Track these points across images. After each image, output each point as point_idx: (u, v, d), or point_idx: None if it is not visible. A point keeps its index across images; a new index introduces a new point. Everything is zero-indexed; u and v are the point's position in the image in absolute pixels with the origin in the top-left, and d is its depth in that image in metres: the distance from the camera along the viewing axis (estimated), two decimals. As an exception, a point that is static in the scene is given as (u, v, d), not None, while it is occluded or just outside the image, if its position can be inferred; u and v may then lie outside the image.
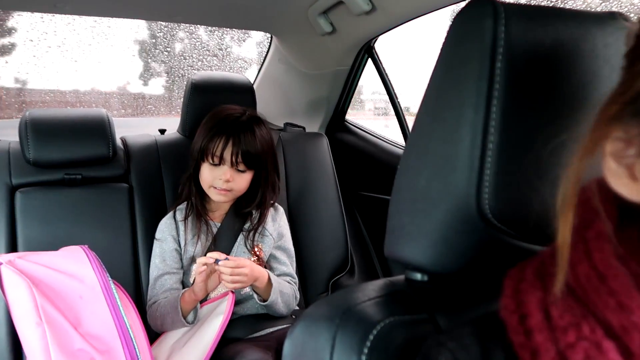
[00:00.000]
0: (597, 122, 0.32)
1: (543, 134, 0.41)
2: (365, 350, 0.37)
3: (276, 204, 1.31)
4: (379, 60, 1.45)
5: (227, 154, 1.15)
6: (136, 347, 0.81)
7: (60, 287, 0.82)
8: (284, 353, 0.44)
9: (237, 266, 1.05)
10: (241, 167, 1.16)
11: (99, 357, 0.76)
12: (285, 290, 1.20)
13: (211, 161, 1.16)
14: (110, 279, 0.86)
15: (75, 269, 0.84)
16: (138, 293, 1.27)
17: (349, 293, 0.47)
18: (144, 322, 1.12)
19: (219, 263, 1.04)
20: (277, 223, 1.29)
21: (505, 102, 0.40)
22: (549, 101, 0.41)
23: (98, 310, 0.81)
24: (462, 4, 0.45)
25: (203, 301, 1.12)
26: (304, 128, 1.68)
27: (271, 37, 1.70)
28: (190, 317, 1.09)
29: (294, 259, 1.32)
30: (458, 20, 0.43)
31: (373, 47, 1.44)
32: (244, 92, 1.45)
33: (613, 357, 0.29)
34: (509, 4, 0.41)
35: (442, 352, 0.34)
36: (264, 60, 1.81)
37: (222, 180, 1.15)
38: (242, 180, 1.18)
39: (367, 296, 0.45)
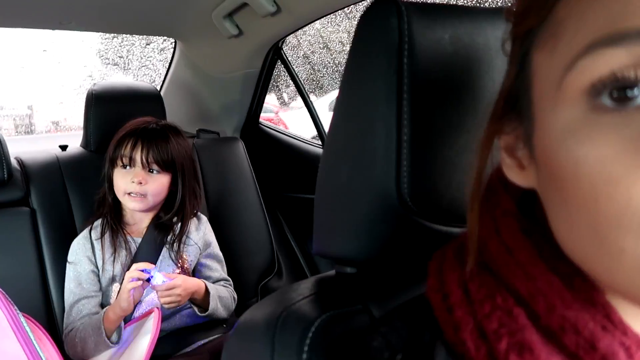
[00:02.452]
0: (490, 119, 0.35)
1: (451, 124, 0.43)
2: (306, 349, 0.37)
3: (199, 213, 1.28)
4: (288, 61, 1.46)
5: (137, 155, 1.11)
6: (56, 381, 0.75)
7: (-41, 329, 0.74)
8: None
9: (168, 288, 1.02)
10: (154, 167, 1.12)
11: (14, 398, 0.70)
12: (222, 294, 1.18)
13: (121, 163, 1.11)
14: (18, 312, 0.79)
15: (-25, 306, 0.76)
16: (51, 323, 1.17)
17: (282, 295, 0.47)
18: (62, 353, 1.04)
19: (152, 283, 1.01)
20: (202, 231, 1.26)
21: (415, 96, 0.43)
22: (453, 93, 0.44)
23: (8, 349, 0.74)
24: (363, 3, 0.46)
25: (126, 321, 1.06)
26: (218, 133, 1.65)
27: (175, 42, 1.65)
28: (114, 337, 1.03)
29: (224, 263, 1.30)
30: (364, 20, 0.45)
31: (281, 48, 1.44)
32: (150, 100, 1.39)
33: (522, 321, 0.31)
34: (410, 3, 0.44)
35: (375, 337, 0.35)
36: (169, 66, 1.75)
37: (135, 183, 1.09)
38: (156, 184, 1.13)
39: (301, 295, 0.45)
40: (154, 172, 1.12)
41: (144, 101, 1.38)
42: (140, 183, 1.10)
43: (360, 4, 1.05)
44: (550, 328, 0.30)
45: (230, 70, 1.51)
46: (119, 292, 1.10)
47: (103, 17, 1.30)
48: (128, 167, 1.12)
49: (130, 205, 1.12)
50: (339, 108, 0.48)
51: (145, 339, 0.93)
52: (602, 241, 0.27)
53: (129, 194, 1.11)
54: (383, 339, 0.35)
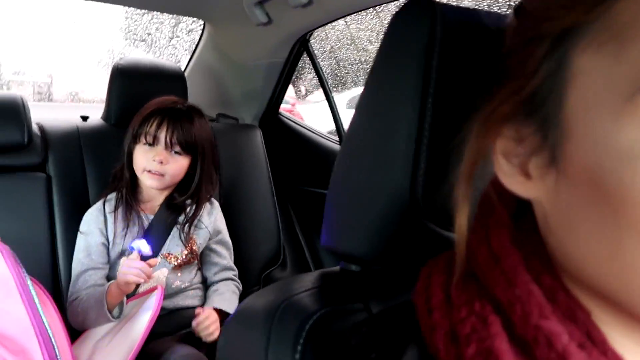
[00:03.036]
0: (488, 121, 0.33)
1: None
2: (301, 341, 0.37)
3: (212, 198, 1.28)
4: (314, 54, 1.45)
5: (162, 134, 1.11)
6: (55, 347, 0.76)
7: (-33, 285, 0.75)
8: (218, 347, 0.44)
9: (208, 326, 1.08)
10: (176, 148, 1.12)
11: (13, 358, 0.71)
12: (233, 300, 1.20)
13: (145, 141, 1.11)
14: (26, 274, 0.80)
15: (-16, 264, 0.77)
16: (57, 289, 1.19)
17: (285, 285, 0.47)
18: (65, 320, 1.06)
19: (141, 253, 1.02)
20: (213, 217, 1.26)
21: (439, 99, 0.42)
22: (478, 100, 0.43)
23: (11, 309, 0.75)
24: (397, 3, 0.46)
25: (130, 295, 1.08)
26: (237, 120, 1.66)
27: (204, 25, 1.65)
28: (115, 312, 1.04)
29: (232, 250, 1.30)
30: (397, 19, 0.44)
31: (308, 41, 1.44)
32: (174, 80, 1.40)
33: (495, 329, 0.30)
34: (446, 5, 0.43)
35: (355, 336, 0.36)
36: (195, 48, 1.75)
37: (156, 162, 1.10)
38: (176, 165, 1.13)
39: (303, 287, 0.45)
40: (175, 153, 1.13)
41: (168, 80, 1.39)
42: (162, 162, 1.10)
43: (392, 3, 1.04)
44: (525, 338, 0.30)
45: (256, 58, 1.51)
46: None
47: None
48: (151, 145, 1.12)
49: (147, 182, 1.13)
50: (362, 105, 0.48)
51: (145, 315, 0.94)
52: None
53: (149, 171, 1.11)
54: (362, 338, 0.35)
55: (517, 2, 0.36)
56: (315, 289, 0.45)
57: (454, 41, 0.42)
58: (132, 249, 1.06)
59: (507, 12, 0.47)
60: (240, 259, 1.34)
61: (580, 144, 0.28)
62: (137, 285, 1.07)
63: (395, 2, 0.99)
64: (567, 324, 0.29)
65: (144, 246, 1.05)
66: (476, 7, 0.47)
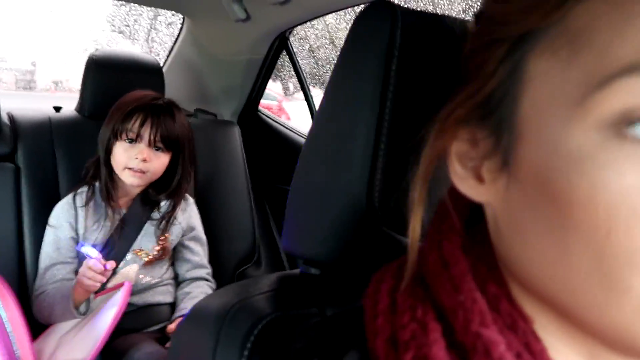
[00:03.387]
0: (444, 124, 0.33)
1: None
2: (249, 345, 0.37)
3: (187, 194, 1.27)
4: (293, 52, 1.44)
5: (145, 132, 1.09)
6: (13, 341, 0.74)
7: None
8: (170, 346, 0.43)
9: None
10: (159, 145, 1.11)
11: (-32, 354, 0.69)
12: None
13: (126, 138, 1.09)
14: (-15, 268, 0.78)
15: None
16: (22, 282, 1.17)
17: (241, 287, 0.47)
18: (30, 315, 1.04)
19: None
20: (187, 213, 1.25)
21: (398, 104, 0.42)
22: (438, 105, 0.43)
23: (-32, 303, 0.73)
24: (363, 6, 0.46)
25: (98, 291, 1.06)
26: (215, 115, 1.64)
27: (184, 19, 1.63)
28: (82, 308, 1.03)
29: (207, 246, 1.29)
30: (358, 22, 0.44)
31: (288, 38, 1.43)
32: (151, 73, 1.38)
33: (434, 336, 0.30)
34: (407, 10, 0.43)
35: (300, 340, 0.35)
36: (175, 42, 1.73)
37: (139, 160, 1.08)
38: (158, 162, 1.12)
39: (259, 290, 0.45)
40: (157, 150, 1.11)
41: (144, 73, 1.37)
42: (145, 160, 1.08)
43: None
44: (464, 346, 0.30)
45: (234, 53, 1.50)
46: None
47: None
48: (132, 142, 1.10)
49: (128, 180, 1.11)
50: (323, 107, 0.47)
51: (111, 310, 0.92)
52: (606, 275, 0.25)
53: (130, 168, 1.09)
54: (307, 342, 0.35)
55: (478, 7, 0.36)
56: (270, 292, 0.45)
57: (413, 45, 0.42)
58: (81, 253, 1.04)
59: (468, 18, 0.47)
60: (214, 256, 1.33)
61: (531, 147, 0.28)
62: (105, 282, 1.06)
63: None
64: (507, 333, 0.29)
65: (91, 251, 1.03)
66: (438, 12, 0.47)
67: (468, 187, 0.33)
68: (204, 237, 1.28)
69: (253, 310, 0.41)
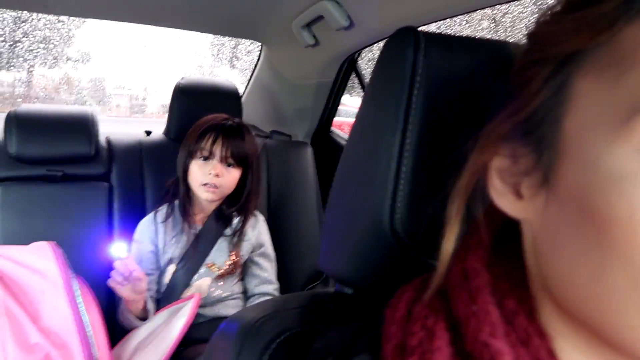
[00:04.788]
0: (486, 139, 0.33)
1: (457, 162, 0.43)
2: (268, 353, 0.39)
3: (257, 211, 1.33)
4: (362, 74, 1.47)
5: (217, 148, 1.18)
6: (94, 344, 0.82)
7: (23, 281, 0.84)
8: (202, 356, 0.46)
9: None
10: (230, 161, 1.19)
11: (55, 351, 0.78)
12: None
13: (201, 156, 1.19)
14: (73, 275, 0.88)
15: (40, 264, 0.86)
16: (111, 291, 1.28)
17: (275, 302, 0.49)
18: (113, 321, 1.14)
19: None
20: (257, 230, 1.31)
21: (421, 127, 0.42)
22: (463, 129, 0.43)
23: (59, 306, 0.83)
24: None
25: (172, 300, 1.14)
26: (290, 136, 1.71)
27: (261, 46, 1.73)
28: (141, 315, 1.13)
29: (275, 262, 1.34)
30: (386, 47, 0.45)
31: (356, 61, 1.46)
32: (229, 98, 1.48)
33: (438, 344, 0.31)
34: (430, 34, 0.43)
35: (320, 340, 0.38)
36: (254, 68, 1.84)
37: (212, 175, 1.17)
38: (230, 177, 1.20)
39: (290, 305, 0.47)
40: (229, 165, 1.20)
41: (224, 98, 1.47)
42: (218, 175, 1.17)
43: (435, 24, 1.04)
44: (472, 356, 0.30)
45: (306, 77, 1.56)
46: (173, 272, 1.19)
47: (195, 17, 1.41)
48: (206, 159, 1.19)
49: (204, 195, 1.20)
50: (356, 128, 0.49)
51: (180, 320, 0.99)
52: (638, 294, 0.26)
53: (205, 184, 1.18)
54: (326, 342, 0.37)
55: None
56: (300, 308, 0.47)
57: (438, 70, 0.42)
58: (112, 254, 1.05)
59: (502, 39, 0.46)
60: (283, 272, 1.37)
61: (572, 165, 0.29)
62: (180, 292, 1.14)
63: (433, 22, 0.98)
64: (518, 347, 0.30)
65: (121, 251, 1.03)
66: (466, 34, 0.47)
67: (506, 202, 0.33)
68: (272, 253, 1.33)
69: (278, 323, 0.43)
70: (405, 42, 0.43)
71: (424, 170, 0.42)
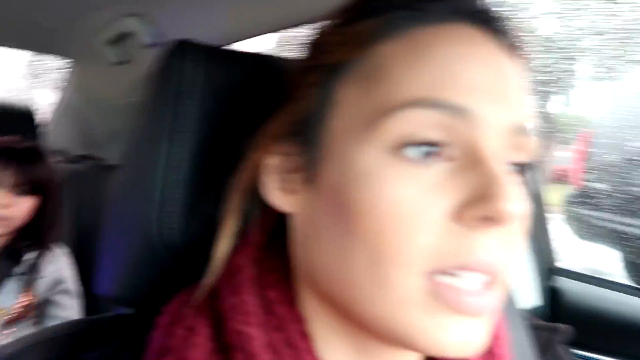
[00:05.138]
0: (261, 139, 0.36)
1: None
2: None
3: (58, 244, 1.20)
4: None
5: (5, 176, 1.03)
6: None
7: None
8: None
9: None
10: (21, 189, 1.05)
11: None
12: None
13: None
14: None
15: None
16: None
17: (40, 332, 0.44)
18: None
19: None
20: (57, 265, 1.18)
21: (196, 137, 0.43)
22: (238, 135, 0.44)
23: None
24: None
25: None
26: (101, 160, 1.59)
27: (72, 63, 1.59)
28: None
29: (84, 298, 1.21)
30: (161, 60, 0.45)
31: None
32: (23, 120, 1.33)
33: (196, 340, 0.33)
34: (206, 47, 0.44)
35: (91, 353, 0.38)
36: (63, 87, 1.68)
37: None
38: (21, 207, 1.07)
39: (52, 335, 0.43)
40: (19, 194, 1.06)
41: (15, 120, 1.31)
42: (6, 206, 1.02)
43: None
44: (228, 344, 0.32)
45: (119, 97, 1.47)
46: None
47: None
48: None
49: None
50: (130, 143, 0.47)
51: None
52: (376, 273, 0.30)
53: None
54: (96, 354, 0.37)
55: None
56: (66, 336, 0.43)
57: (210, 80, 0.43)
58: None
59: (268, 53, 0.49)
60: (98, 308, 1.25)
61: (332, 164, 0.33)
62: None
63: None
64: (272, 332, 0.33)
65: None
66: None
67: (276, 198, 0.36)
68: (75, 288, 1.21)
69: (35, 355, 0.39)
70: (182, 54, 0.43)
71: (201, 183, 0.43)
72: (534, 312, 0.82)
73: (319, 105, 0.34)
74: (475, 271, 0.29)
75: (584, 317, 0.80)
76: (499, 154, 0.31)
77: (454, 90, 0.30)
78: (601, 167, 2.59)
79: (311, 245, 0.34)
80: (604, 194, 2.54)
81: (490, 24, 0.34)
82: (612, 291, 0.79)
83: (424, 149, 0.30)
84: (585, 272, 0.85)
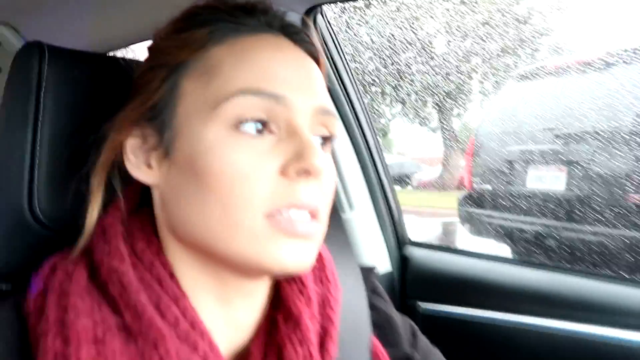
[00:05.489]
0: (120, 124, 0.44)
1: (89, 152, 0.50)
2: None
3: None
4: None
5: None
6: None
7: None
8: None
9: None
10: None
11: None
12: None
13: None
14: None
15: None
16: None
17: None
18: None
19: None
20: None
21: (54, 124, 0.50)
22: (94, 122, 0.51)
23: None
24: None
25: None
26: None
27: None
28: None
29: None
30: (15, 60, 0.51)
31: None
32: None
33: (76, 277, 0.41)
34: (56, 48, 0.52)
35: None
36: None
37: None
38: None
39: None
40: None
41: None
42: None
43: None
44: (105, 281, 0.41)
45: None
46: None
47: None
48: None
49: None
50: None
51: None
52: (230, 220, 0.40)
53: None
54: None
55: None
56: None
57: (62, 77, 0.51)
58: None
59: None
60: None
61: (184, 140, 0.42)
62: None
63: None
64: (144, 273, 0.42)
65: None
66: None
67: (140, 172, 0.45)
68: None
69: None
70: (31, 54, 0.51)
71: (63, 164, 0.50)
72: (389, 276, 0.96)
73: (168, 95, 0.43)
74: (301, 208, 0.41)
75: (429, 277, 0.95)
76: (309, 128, 0.43)
77: (271, 82, 0.41)
78: (486, 170, 2.87)
79: (173, 206, 0.43)
80: (488, 194, 2.80)
81: (296, 35, 0.46)
82: (453, 254, 0.95)
83: (255, 125, 0.40)
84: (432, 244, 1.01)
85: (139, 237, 0.44)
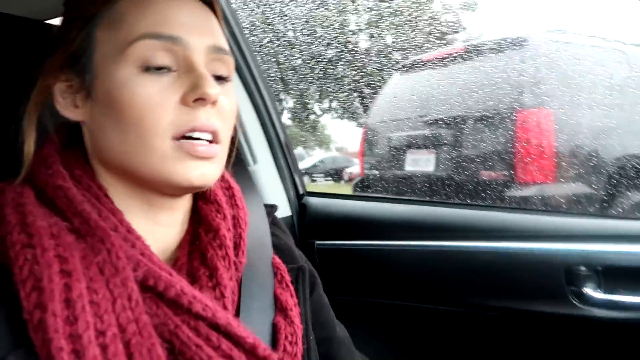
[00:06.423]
0: (47, 70, 0.51)
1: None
2: None
3: None
4: None
5: None
6: None
7: None
8: None
9: None
10: None
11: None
12: None
13: None
14: None
15: None
16: None
17: None
18: None
19: None
20: None
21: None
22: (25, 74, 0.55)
23: None
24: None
25: None
26: None
27: None
28: None
29: None
30: None
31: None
32: None
33: (25, 196, 0.47)
34: None
35: None
36: None
37: None
38: None
39: None
40: None
41: None
42: None
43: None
44: (50, 199, 0.47)
45: None
46: None
47: None
48: None
49: None
50: None
51: None
52: (144, 144, 0.47)
53: None
54: None
55: None
56: None
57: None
58: None
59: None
60: None
61: (101, 81, 0.49)
62: None
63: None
64: (83, 192, 0.49)
65: None
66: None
67: (68, 111, 0.52)
68: None
69: None
70: None
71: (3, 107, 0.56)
72: (289, 219, 1.11)
73: (85, 43, 0.50)
74: (202, 131, 0.48)
75: (323, 220, 1.12)
76: (204, 64, 0.50)
77: (168, 26, 0.48)
78: (373, 157, 3.13)
79: (98, 138, 0.50)
80: (375, 179, 3.06)
81: None
82: (343, 200, 1.14)
83: (152, 66, 0.47)
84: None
85: (75, 166, 0.51)
